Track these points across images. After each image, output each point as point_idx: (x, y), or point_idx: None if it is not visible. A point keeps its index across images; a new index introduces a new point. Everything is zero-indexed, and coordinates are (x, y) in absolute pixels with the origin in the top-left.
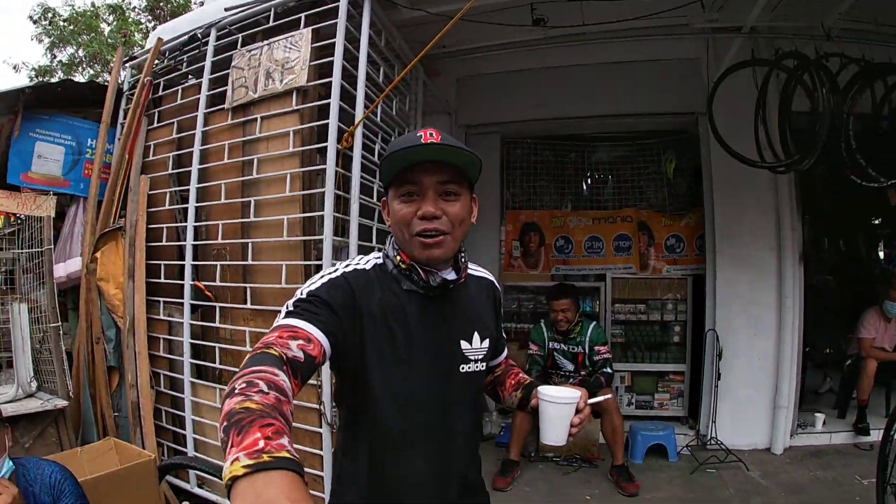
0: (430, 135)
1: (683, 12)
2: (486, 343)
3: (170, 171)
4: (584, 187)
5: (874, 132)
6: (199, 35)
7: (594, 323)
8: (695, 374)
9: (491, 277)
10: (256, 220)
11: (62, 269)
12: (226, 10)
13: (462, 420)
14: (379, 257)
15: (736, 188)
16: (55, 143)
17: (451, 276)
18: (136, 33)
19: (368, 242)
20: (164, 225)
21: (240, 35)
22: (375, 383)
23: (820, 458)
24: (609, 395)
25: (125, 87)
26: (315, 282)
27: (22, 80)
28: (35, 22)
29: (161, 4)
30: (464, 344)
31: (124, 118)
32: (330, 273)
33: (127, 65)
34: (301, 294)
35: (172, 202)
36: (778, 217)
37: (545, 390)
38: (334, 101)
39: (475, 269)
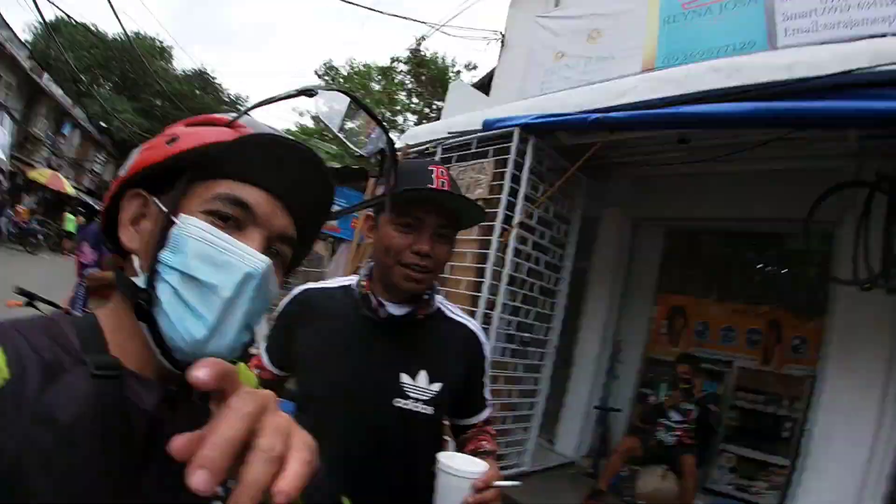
0: (442, 183)
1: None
2: (437, 386)
3: None
4: (732, 281)
5: None
6: (430, 149)
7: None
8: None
9: (476, 328)
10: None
11: None
12: (449, 133)
13: (394, 467)
14: (353, 280)
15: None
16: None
17: (398, 311)
18: (400, 92)
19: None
20: None
21: (454, 154)
22: (306, 377)
23: None
24: (517, 484)
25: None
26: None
27: (305, 123)
28: (319, 77)
29: (423, 71)
30: (404, 377)
31: None
32: (278, 310)
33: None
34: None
35: None
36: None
37: (446, 457)
38: (500, 210)
39: (458, 315)
